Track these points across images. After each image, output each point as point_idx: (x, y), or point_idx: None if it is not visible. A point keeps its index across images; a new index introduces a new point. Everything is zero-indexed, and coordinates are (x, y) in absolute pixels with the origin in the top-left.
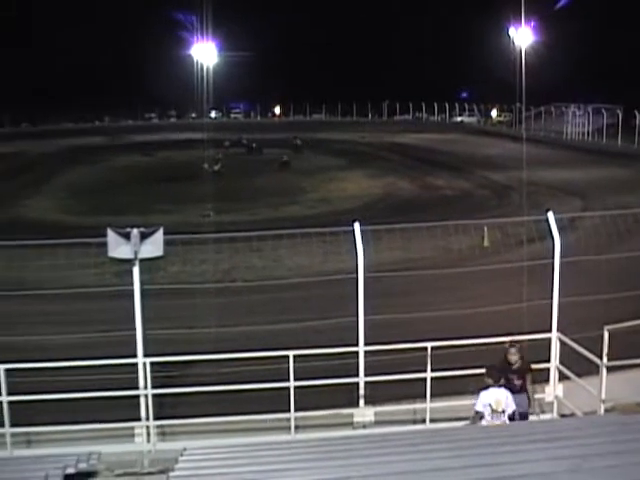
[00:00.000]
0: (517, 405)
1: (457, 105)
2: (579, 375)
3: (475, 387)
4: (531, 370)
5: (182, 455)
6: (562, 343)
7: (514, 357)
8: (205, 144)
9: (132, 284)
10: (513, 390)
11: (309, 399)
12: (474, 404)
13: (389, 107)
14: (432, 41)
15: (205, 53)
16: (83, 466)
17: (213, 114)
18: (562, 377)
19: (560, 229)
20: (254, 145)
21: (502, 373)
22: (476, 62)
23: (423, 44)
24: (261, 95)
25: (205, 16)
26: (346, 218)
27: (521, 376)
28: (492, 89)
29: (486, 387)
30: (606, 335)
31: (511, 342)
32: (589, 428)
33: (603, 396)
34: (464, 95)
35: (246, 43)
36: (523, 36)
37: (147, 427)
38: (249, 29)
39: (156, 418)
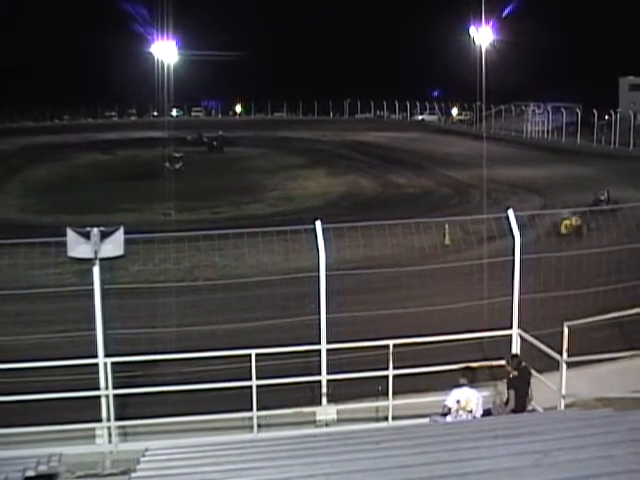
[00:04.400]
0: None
1: (418, 104)
2: (540, 371)
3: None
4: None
5: (144, 456)
6: (523, 339)
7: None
8: (166, 142)
9: (92, 284)
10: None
11: (272, 398)
12: (440, 403)
13: (350, 105)
14: (395, 40)
15: (165, 51)
16: (43, 468)
17: (174, 112)
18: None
19: (520, 226)
20: (215, 143)
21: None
22: (438, 61)
23: (386, 43)
24: (223, 94)
25: (165, 14)
26: (308, 216)
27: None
28: (457, 88)
29: (459, 385)
30: (566, 331)
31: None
32: (550, 423)
33: (563, 392)
34: (435, 94)
35: (207, 41)
36: (483, 35)
37: (108, 428)
38: (211, 27)
39: (117, 418)
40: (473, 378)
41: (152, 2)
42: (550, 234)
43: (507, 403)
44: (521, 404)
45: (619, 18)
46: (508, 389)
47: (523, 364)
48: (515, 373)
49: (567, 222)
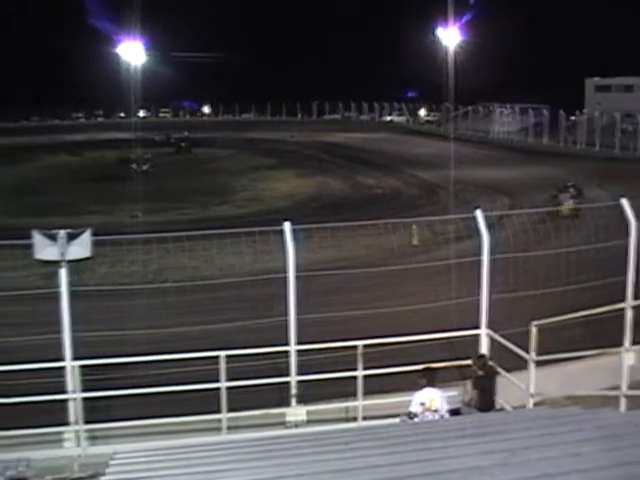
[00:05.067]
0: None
1: (386, 104)
2: (508, 370)
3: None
4: (495, 373)
5: (112, 459)
6: (491, 339)
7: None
8: (134, 144)
9: (60, 286)
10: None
11: (241, 399)
12: (408, 404)
13: (319, 106)
14: (363, 41)
15: (132, 52)
16: (12, 473)
17: (142, 113)
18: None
19: (488, 226)
20: (183, 144)
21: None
22: (407, 62)
23: (355, 44)
24: (191, 94)
25: (133, 14)
26: (277, 217)
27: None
28: (426, 89)
29: (420, 388)
30: (534, 330)
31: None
32: (519, 422)
33: (532, 390)
34: (411, 95)
35: (176, 43)
36: (450, 36)
37: (77, 431)
38: (179, 29)
39: (86, 422)
40: (433, 378)
41: (119, 3)
42: (553, 216)
43: (474, 402)
44: (487, 403)
45: (585, 20)
46: (473, 389)
47: (489, 364)
48: (480, 373)
49: (566, 205)
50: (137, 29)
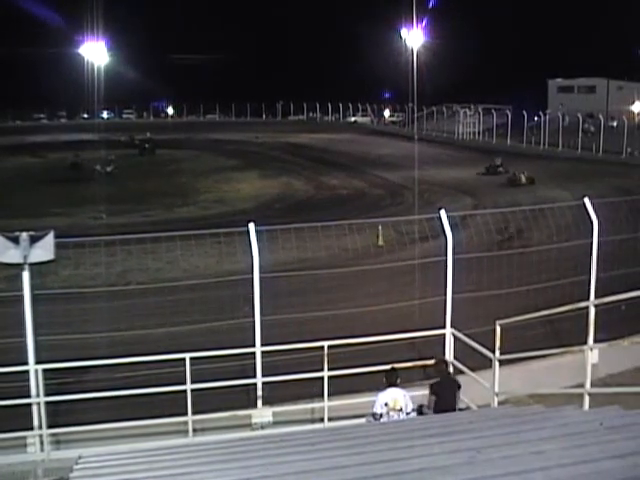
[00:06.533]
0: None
1: (351, 105)
2: (473, 369)
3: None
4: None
5: (77, 463)
6: (456, 338)
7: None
8: (97, 145)
9: (22, 289)
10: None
11: (207, 401)
12: (372, 405)
13: (283, 107)
14: (328, 42)
15: (95, 52)
16: None
17: (105, 114)
18: (457, 372)
19: (452, 227)
20: (147, 146)
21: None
22: (371, 63)
23: (319, 45)
24: (156, 95)
25: (95, 14)
26: (241, 219)
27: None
28: (391, 89)
29: (383, 389)
30: (498, 329)
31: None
32: (483, 421)
33: (496, 389)
34: (387, 95)
35: (139, 43)
36: (414, 37)
37: (40, 436)
38: (142, 29)
39: (50, 426)
40: (395, 379)
41: (81, 2)
42: (511, 184)
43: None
44: (444, 410)
45: (548, 21)
46: (430, 394)
47: (449, 372)
48: (437, 379)
49: (523, 176)
50: (99, 29)
